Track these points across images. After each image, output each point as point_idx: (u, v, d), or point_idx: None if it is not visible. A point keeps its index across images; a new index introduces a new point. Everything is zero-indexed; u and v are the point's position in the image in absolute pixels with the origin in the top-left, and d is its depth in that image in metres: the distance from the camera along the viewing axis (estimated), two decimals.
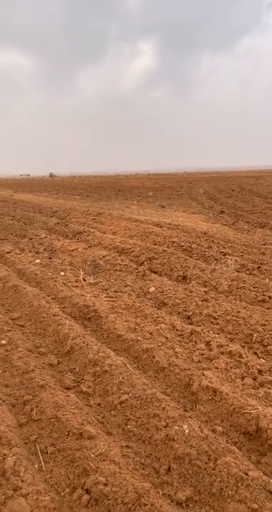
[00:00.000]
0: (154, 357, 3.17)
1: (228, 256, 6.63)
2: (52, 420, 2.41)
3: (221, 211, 13.23)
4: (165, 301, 4.69)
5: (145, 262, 6.35)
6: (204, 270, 5.75)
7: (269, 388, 2.71)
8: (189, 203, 16.41)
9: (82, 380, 2.97)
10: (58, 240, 8.23)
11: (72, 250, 7.21)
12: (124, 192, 22.23)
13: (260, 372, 2.90)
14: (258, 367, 2.94)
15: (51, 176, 48.48)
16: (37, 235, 8.65)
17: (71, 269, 5.94)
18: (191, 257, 6.79)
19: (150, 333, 3.58)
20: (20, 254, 7.04)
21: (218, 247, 7.34)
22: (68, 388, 2.87)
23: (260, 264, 6.09)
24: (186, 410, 2.57)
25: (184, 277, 5.70)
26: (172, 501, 1.93)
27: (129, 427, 2.45)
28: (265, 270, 5.73)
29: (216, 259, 6.52)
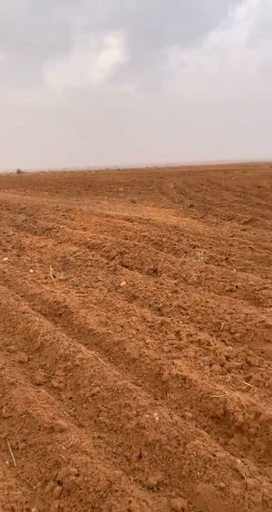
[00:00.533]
0: (125, 349, 3.21)
1: (197, 248, 6.76)
2: (23, 416, 2.40)
3: (191, 205, 13.42)
4: (136, 294, 4.73)
5: (116, 257, 6.37)
6: (174, 263, 5.84)
7: (236, 373, 2.81)
8: (159, 197, 16.53)
9: (53, 375, 2.97)
10: (27, 237, 8.09)
11: (42, 247, 7.12)
12: (94, 187, 22.09)
13: (227, 358, 3.00)
14: (225, 354, 3.04)
15: (19, 172, 47.34)
16: (4, 233, 8.45)
17: (40, 266, 5.86)
18: (161, 250, 6.87)
19: (121, 326, 3.61)
20: None
21: (187, 240, 7.47)
22: (38, 384, 2.86)
23: (228, 255, 6.26)
24: (156, 399, 2.63)
25: (155, 270, 5.76)
26: (144, 486, 1.98)
27: (100, 418, 2.47)
28: (233, 261, 5.89)
29: (185, 252, 6.63)
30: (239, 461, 1.97)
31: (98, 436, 2.32)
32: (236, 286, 4.72)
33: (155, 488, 1.98)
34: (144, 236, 7.58)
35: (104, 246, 6.81)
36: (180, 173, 34.92)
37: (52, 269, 5.67)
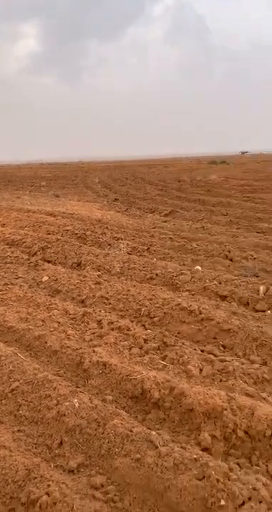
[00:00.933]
0: (46, 342, 3.20)
1: (120, 240, 6.91)
2: None
3: (115, 199, 13.60)
4: (59, 288, 4.71)
5: (38, 252, 6.24)
6: (97, 255, 5.90)
7: (153, 354, 2.97)
8: (84, 191, 16.45)
9: None
10: None
11: None
12: (14, 182, 21.17)
13: (145, 341, 3.15)
14: (144, 337, 3.20)
15: None
16: None
17: None
18: (85, 243, 6.89)
19: (42, 321, 3.58)
20: None
21: (111, 232, 7.58)
22: None
23: (150, 245, 6.50)
24: (78, 387, 2.67)
25: (79, 264, 5.77)
26: (64, 470, 2.03)
27: (20, 412, 2.45)
28: (154, 251, 6.14)
29: (109, 244, 6.74)
30: (154, 433, 2.11)
31: (18, 430, 2.30)
32: (156, 274, 4.94)
33: (76, 471, 2.04)
34: (68, 230, 7.53)
35: (24, 242, 6.62)
36: (105, 168, 35.02)
37: None
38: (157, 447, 2.01)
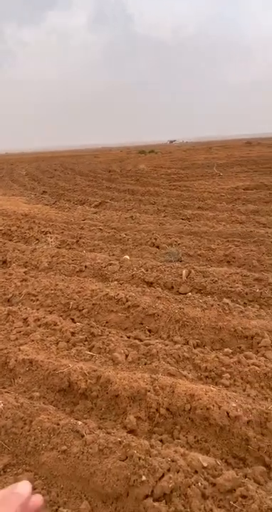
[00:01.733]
0: None
1: (49, 234, 6.78)
2: None
3: (44, 191, 13.22)
4: None
5: None
6: (24, 251, 5.74)
7: (81, 346, 3.00)
8: (10, 185, 15.73)
9: None
10: None
11: None
12: None
13: (73, 334, 3.17)
14: (71, 330, 3.21)
15: None
16: None
17: None
18: (11, 240, 6.65)
19: None
20: None
21: (39, 227, 7.40)
22: None
23: (79, 238, 6.47)
24: (4, 387, 2.62)
25: (4, 262, 5.57)
26: None
27: None
28: (83, 243, 6.13)
29: (37, 239, 6.58)
30: (80, 423, 2.15)
31: None
32: (85, 266, 4.95)
33: (2, 472, 2.01)
34: None
35: None
36: (33, 159, 33.76)
37: None
38: (83, 436, 2.06)
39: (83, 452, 1.96)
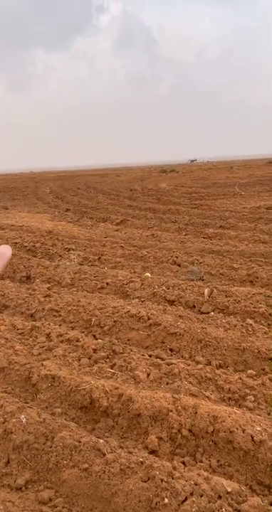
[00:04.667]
0: None
1: (71, 251, 6.89)
2: None
3: (67, 209, 13.49)
4: (7, 303, 4.60)
5: None
6: (47, 267, 5.84)
7: (102, 363, 3.01)
8: (34, 202, 16.14)
9: None
10: None
11: None
12: None
13: (95, 350, 3.18)
14: (93, 347, 3.22)
15: None
16: None
17: None
18: (35, 256, 6.79)
19: None
20: None
21: (62, 243, 7.53)
22: None
23: (101, 255, 6.55)
24: (26, 402, 2.64)
25: (28, 277, 5.68)
26: (12, 489, 2.00)
27: None
28: (105, 260, 6.19)
29: (60, 256, 6.69)
30: (101, 441, 2.14)
31: None
32: (107, 283, 4.99)
33: (23, 488, 2.01)
34: (16, 243, 7.37)
35: None
36: (57, 178, 34.59)
37: None
38: (104, 454, 2.05)
39: (105, 471, 1.94)
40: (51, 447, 2.15)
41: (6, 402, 2.51)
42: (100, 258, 6.36)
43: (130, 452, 2.07)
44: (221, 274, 5.17)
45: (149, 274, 5.25)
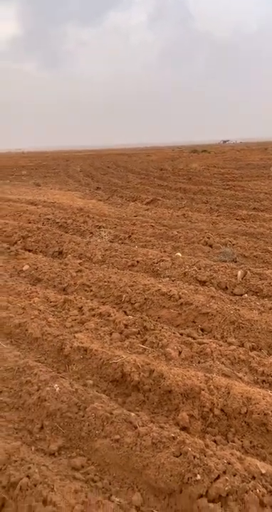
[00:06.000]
0: (27, 330, 3.19)
1: (102, 229, 6.90)
2: None
3: (97, 187, 13.50)
4: (40, 277, 4.68)
5: (18, 241, 6.18)
6: (79, 244, 5.89)
7: (133, 338, 3.01)
8: (65, 180, 16.26)
9: None
10: None
11: None
12: None
13: (126, 326, 3.19)
14: (124, 322, 3.23)
15: None
16: None
17: None
18: (67, 232, 6.85)
19: (23, 308, 3.56)
20: None
21: (93, 221, 7.56)
22: None
23: (131, 233, 6.52)
24: (59, 372, 2.69)
25: (60, 252, 5.75)
26: (45, 454, 2.05)
27: (1, 398, 2.45)
28: (135, 238, 6.16)
29: (91, 233, 6.72)
30: (133, 414, 2.15)
31: None
32: (137, 261, 4.97)
33: (56, 453, 2.06)
34: (49, 219, 7.46)
35: (5, 231, 6.53)
36: (87, 157, 34.61)
37: None
38: (136, 427, 2.05)
39: (136, 444, 1.95)
40: (83, 417, 2.19)
41: (40, 371, 2.56)
42: (130, 236, 6.33)
43: (162, 427, 2.07)
44: (254, 256, 5.03)
45: (180, 254, 5.18)
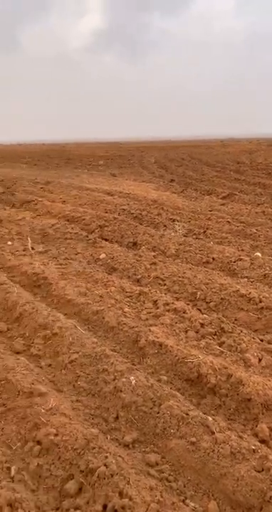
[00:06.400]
0: (104, 318, 3.27)
1: (176, 222, 6.82)
2: (2, 382, 2.44)
3: (171, 179, 13.40)
4: (115, 266, 4.78)
5: (96, 230, 6.36)
6: (153, 236, 5.89)
7: (210, 339, 2.92)
8: (140, 171, 16.40)
9: (32, 343, 3.01)
10: (4, 209, 7.94)
11: (20, 219, 7.01)
12: (73, 160, 21.64)
13: (202, 325, 3.10)
14: (200, 321, 3.15)
15: None
16: None
17: (19, 239, 5.80)
18: (141, 224, 6.89)
19: (100, 296, 3.66)
20: None
21: (167, 213, 7.51)
22: (18, 352, 2.90)
23: (206, 228, 6.35)
24: (133, 364, 2.71)
25: (134, 243, 5.81)
26: (120, 444, 2.08)
27: (79, 383, 2.54)
28: (210, 234, 5.99)
29: (165, 226, 6.68)
30: (210, 419, 2.08)
31: (77, 400, 2.39)
32: (213, 258, 4.83)
33: (131, 446, 2.08)
34: (124, 209, 7.58)
35: (83, 219, 6.78)
36: (161, 148, 34.53)
37: (30, 241, 5.62)
38: (213, 433, 1.99)
39: (213, 450, 1.89)
40: (158, 413, 2.17)
41: (116, 360, 2.61)
42: (205, 232, 6.18)
43: (240, 437, 1.98)
44: None
45: (259, 254, 4.91)
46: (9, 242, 5.52)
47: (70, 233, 6.06)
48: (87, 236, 5.90)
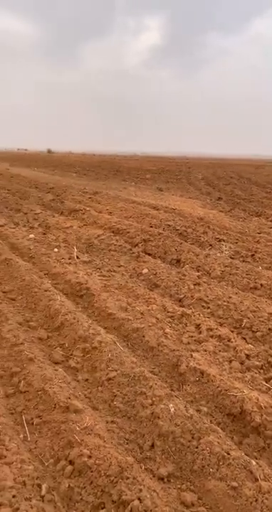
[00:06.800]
0: (143, 336, 3.18)
1: (223, 242, 6.64)
2: (39, 393, 2.42)
3: (219, 198, 13.16)
4: (158, 283, 4.69)
5: (140, 244, 6.33)
6: (198, 255, 5.75)
7: (255, 373, 2.74)
8: (187, 187, 16.30)
9: (71, 355, 2.98)
10: (53, 216, 8.16)
11: (67, 227, 7.15)
12: (122, 172, 21.98)
13: (247, 357, 2.93)
14: (246, 352, 2.97)
15: (49, 151, 47.72)
16: (32, 210, 8.55)
17: (65, 246, 5.90)
18: (186, 241, 6.78)
19: (141, 313, 3.58)
20: (14, 228, 6.97)
21: (213, 233, 7.33)
22: (56, 363, 2.88)
23: (255, 252, 6.10)
24: (172, 390, 2.59)
25: (178, 261, 5.70)
26: (154, 476, 1.97)
27: (115, 403, 2.47)
28: (259, 258, 5.74)
29: (210, 245, 6.52)
30: (254, 463, 1.92)
31: (112, 421, 2.31)
32: (261, 284, 4.60)
33: (166, 480, 1.96)
34: (169, 225, 7.50)
35: (128, 232, 6.78)
36: (209, 165, 34.25)
37: (76, 250, 5.69)
38: (257, 479, 1.83)
39: (257, 500, 1.73)
40: (197, 448, 2.04)
41: (155, 384, 2.51)
42: (253, 255, 5.93)
43: None
44: None
45: None
46: (56, 249, 5.63)
47: (115, 245, 6.07)
48: (130, 249, 5.88)
